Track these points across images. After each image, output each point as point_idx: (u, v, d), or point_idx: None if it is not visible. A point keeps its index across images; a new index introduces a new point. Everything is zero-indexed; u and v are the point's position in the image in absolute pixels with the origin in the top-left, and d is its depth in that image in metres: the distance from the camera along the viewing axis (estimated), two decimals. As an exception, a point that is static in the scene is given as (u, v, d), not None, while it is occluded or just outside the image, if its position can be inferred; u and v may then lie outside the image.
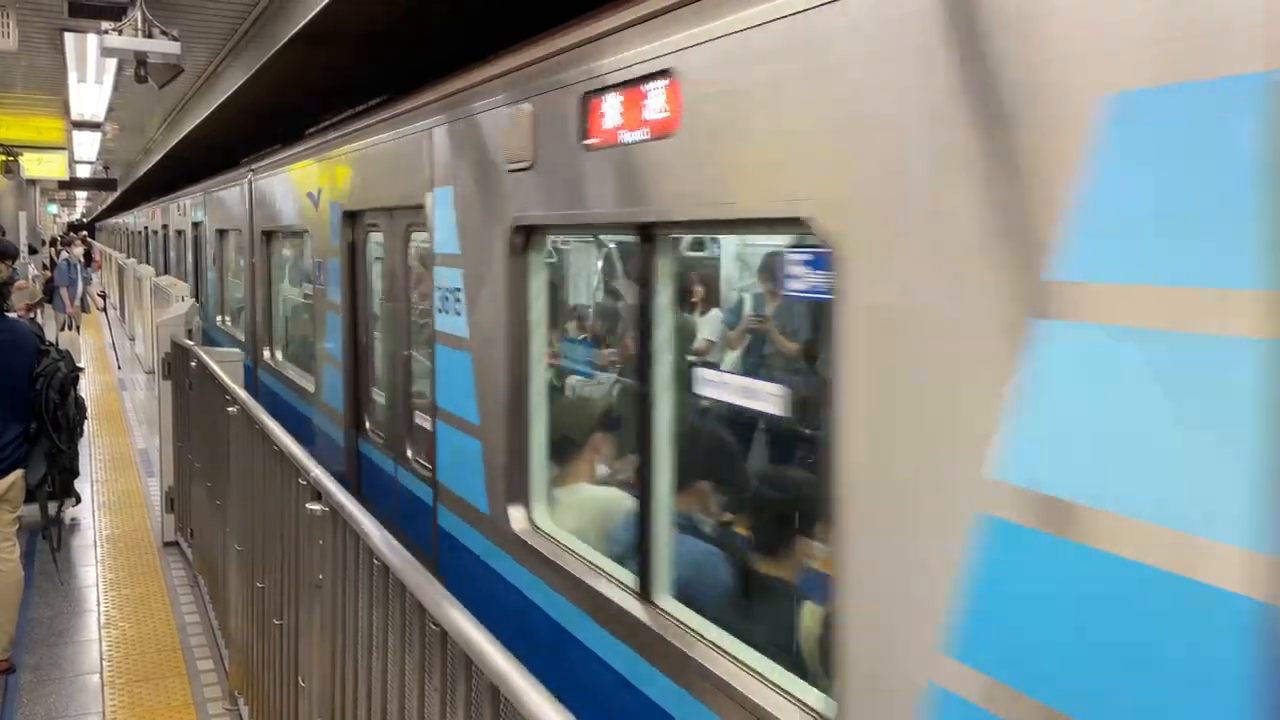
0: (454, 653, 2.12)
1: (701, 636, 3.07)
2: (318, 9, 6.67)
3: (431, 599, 2.25)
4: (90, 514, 8.37)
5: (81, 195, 41.90)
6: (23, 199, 23.68)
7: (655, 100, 3.19)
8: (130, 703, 5.09)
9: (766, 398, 3.17)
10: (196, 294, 13.16)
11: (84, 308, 20.00)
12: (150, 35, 6.87)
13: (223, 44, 9.71)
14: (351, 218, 6.45)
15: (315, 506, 3.23)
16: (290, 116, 10.59)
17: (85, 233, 42.60)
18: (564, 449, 4.38)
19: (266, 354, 9.22)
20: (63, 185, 27.47)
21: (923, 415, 2.17)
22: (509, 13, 5.96)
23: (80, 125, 14.65)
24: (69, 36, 9.23)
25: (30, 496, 5.62)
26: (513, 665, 1.89)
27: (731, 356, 4.32)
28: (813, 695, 2.67)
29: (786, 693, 2.72)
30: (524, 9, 5.71)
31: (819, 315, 2.85)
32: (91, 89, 11.68)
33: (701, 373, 3.53)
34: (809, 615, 3.05)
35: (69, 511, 8.20)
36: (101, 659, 5.61)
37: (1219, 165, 1.61)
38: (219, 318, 12.21)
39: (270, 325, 9.23)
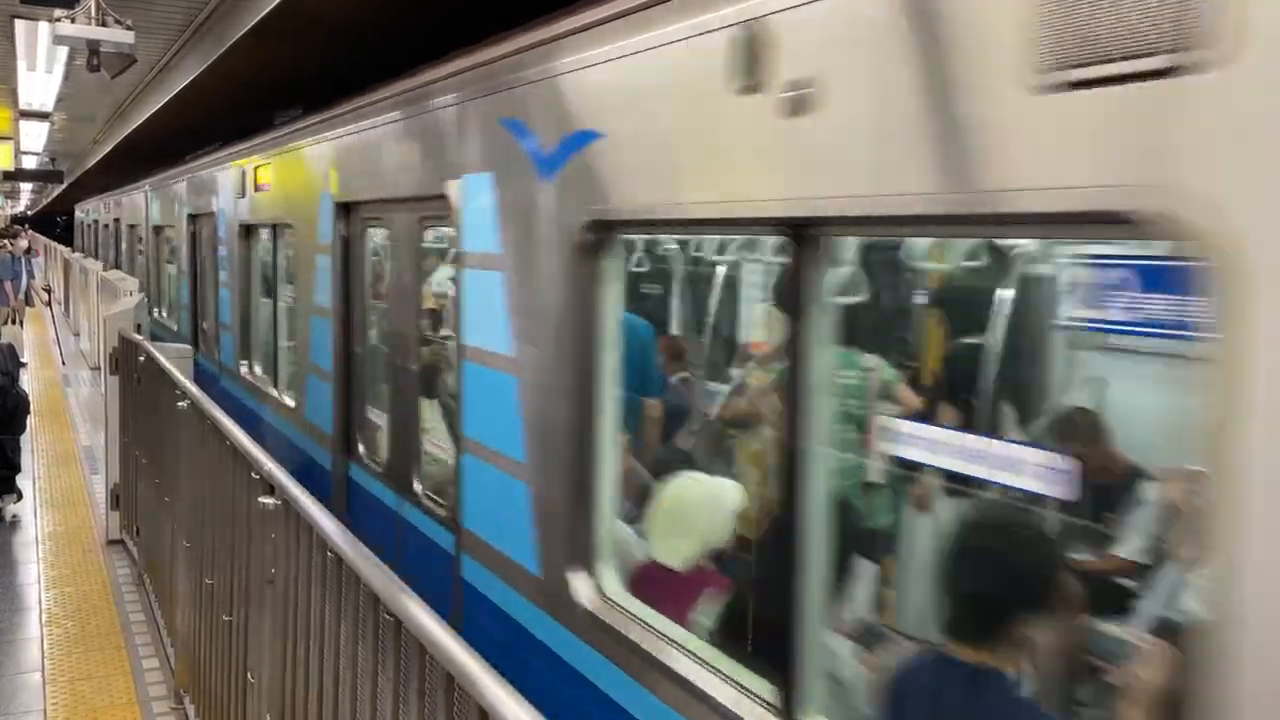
0: (408, 643, 2.12)
1: None
2: (276, 2, 6.62)
3: (385, 589, 2.26)
4: (32, 511, 8.19)
5: (26, 187, 40.99)
6: (-35, 190, 23.12)
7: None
8: (72, 701, 5.00)
9: None
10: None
11: (28, 301, 19.58)
12: (104, 24, 6.76)
13: (178, 35, 9.58)
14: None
15: (268, 500, 3.21)
16: (245, 110, 10.47)
17: (27, 225, 41.59)
18: None
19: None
20: (7, 176, 26.84)
21: None
22: (477, 8, 5.96)
23: (28, 115, 14.37)
24: (19, 24, 9.04)
25: None
26: (469, 654, 1.90)
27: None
28: None
29: None
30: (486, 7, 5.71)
31: None
32: (41, 78, 11.46)
33: None
34: None
35: (10, 509, 8.03)
36: (43, 657, 5.50)
37: None
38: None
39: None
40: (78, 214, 30.76)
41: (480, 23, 5.18)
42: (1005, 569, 2.37)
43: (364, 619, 2.38)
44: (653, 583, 3.45)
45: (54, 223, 51.29)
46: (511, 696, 1.76)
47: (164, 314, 14.04)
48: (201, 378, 9.81)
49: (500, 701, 1.76)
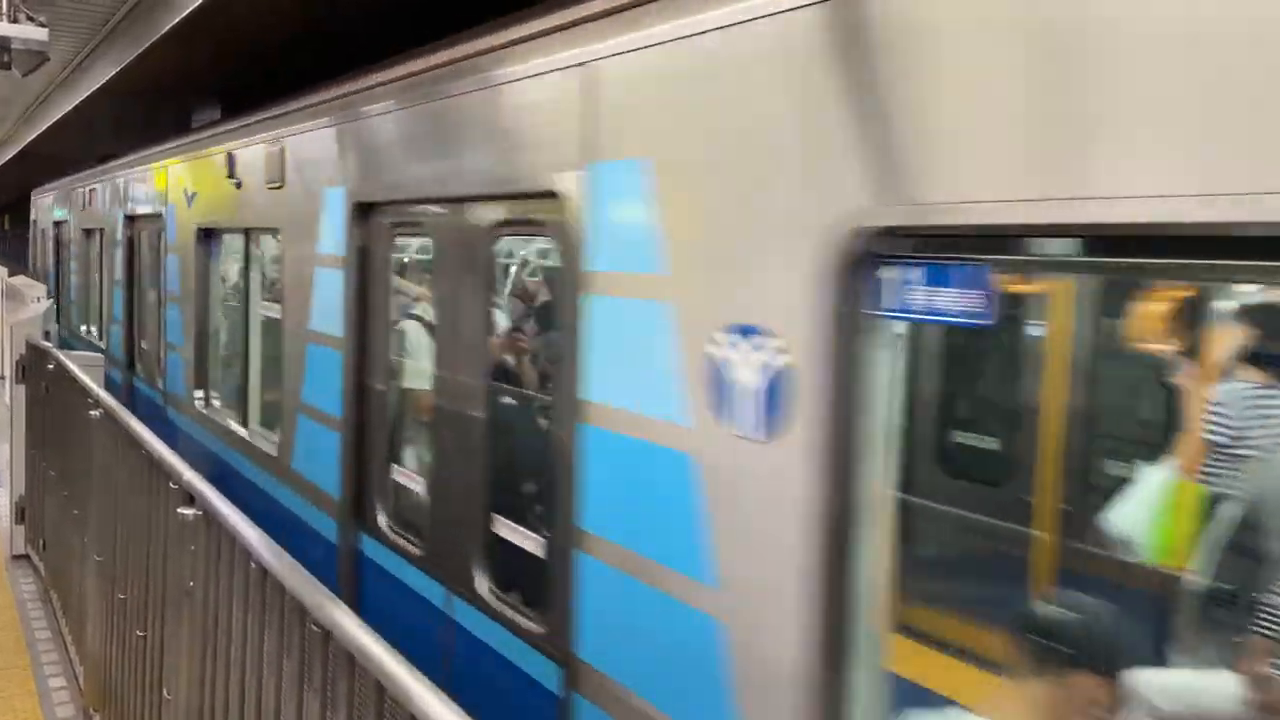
0: (336, 652, 2.08)
1: None
2: (197, 3, 6.46)
3: (313, 600, 2.21)
4: (-71, 525, 7.84)
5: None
6: None
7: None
8: (-27, 723, 4.79)
9: None
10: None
11: (-73, 308, 18.76)
12: (15, 20, 6.52)
13: (93, 34, 9.29)
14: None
15: (187, 511, 3.12)
16: (162, 112, 10.22)
17: None
18: None
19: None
20: (-94, 177, 25.73)
21: None
22: (404, 15, 5.91)
23: (-70, 113, 13.79)
24: (-78, 18, 8.68)
25: None
26: (399, 662, 1.87)
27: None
28: None
29: None
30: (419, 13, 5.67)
31: None
32: (-56, 75, 11.01)
33: None
34: None
35: (-95, 522, 7.68)
36: (-59, 677, 5.26)
37: None
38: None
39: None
40: (38, 214, 18.44)
41: (401, 29, 5.15)
42: None
43: (289, 630, 2.33)
44: None
45: None
46: (443, 703, 1.74)
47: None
48: None
49: (431, 708, 1.74)
